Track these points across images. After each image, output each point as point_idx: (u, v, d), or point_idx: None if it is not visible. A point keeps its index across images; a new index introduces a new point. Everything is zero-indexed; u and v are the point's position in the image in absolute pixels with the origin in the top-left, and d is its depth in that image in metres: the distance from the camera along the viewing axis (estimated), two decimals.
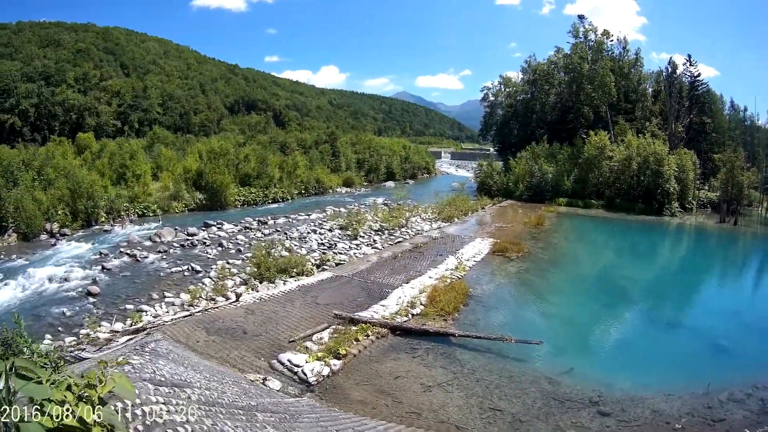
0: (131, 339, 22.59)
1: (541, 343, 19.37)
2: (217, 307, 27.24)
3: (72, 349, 24.02)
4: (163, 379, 11.26)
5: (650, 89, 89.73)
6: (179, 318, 25.78)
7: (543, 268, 34.66)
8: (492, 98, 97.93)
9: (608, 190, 66.84)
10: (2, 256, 41.05)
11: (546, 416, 14.70)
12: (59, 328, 27.22)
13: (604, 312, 27.85)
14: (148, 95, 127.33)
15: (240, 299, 27.56)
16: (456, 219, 55.09)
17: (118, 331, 26.24)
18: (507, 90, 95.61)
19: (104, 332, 26.17)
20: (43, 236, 47.52)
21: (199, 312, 26.86)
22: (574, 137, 77.79)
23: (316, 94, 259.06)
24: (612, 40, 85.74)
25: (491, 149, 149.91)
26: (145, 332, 23.33)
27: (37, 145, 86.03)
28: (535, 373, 17.61)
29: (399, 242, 42.37)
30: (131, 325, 26.58)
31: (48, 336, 25.99)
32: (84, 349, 23.55)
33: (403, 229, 49.06)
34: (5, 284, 33.88)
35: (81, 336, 26.07)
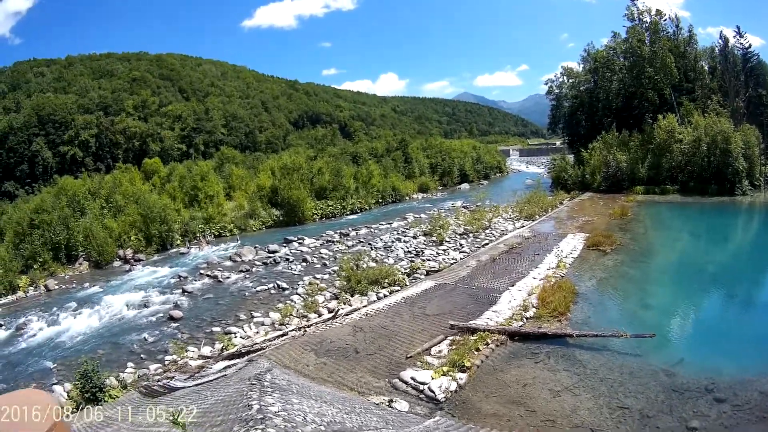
0: (229, 366, 22.26)
1: (653, 336, 20.13)
2: (311, 325, 27.14)
3: (159, 377, 23.94)
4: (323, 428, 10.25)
5: (706, 66, 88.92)
6: (279, 339, 25.57)
7: (637, 259, 35.35)
8: (557, 90, 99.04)
9: (681, 174, 67.99)
10: (74, 285, 42.53)
11: (669, 409, 15.45)
12: (141, 355, 27.34)
13: (699, 298, 29.12)
14: (210, 117, 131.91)
15: (347, 316, 27.32)
16: (538, 216, 55.57)
17: (208, 357, 26.16)
18: (570, 81, 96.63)
19: (193, 358, 26.13)
20: (117, 263, 49.34)
21: (292, 330, 26.74)
22: (641, 123, 78.64)
23: (378, 102, 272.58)
24: (665, 19, 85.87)
25: (557, 143, 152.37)
26: (246, 358, 23.06)
27: (102, 173, 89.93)
28: (651, 366, 18.27)
29: (486, 244, 43.23)
30: (222, 349, 26.42)
31: (130, 364, 26.16)
32: (173, 377, 23.30)
33: (487, 231, 49.54)
34: (79, 313, 34.65)
35: (167, 362, 26.10)
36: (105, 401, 21.51)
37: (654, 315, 25.17)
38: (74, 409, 21.44)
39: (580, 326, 22.31)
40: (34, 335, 31.65)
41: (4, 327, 33.31)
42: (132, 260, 49.59)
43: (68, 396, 23.08)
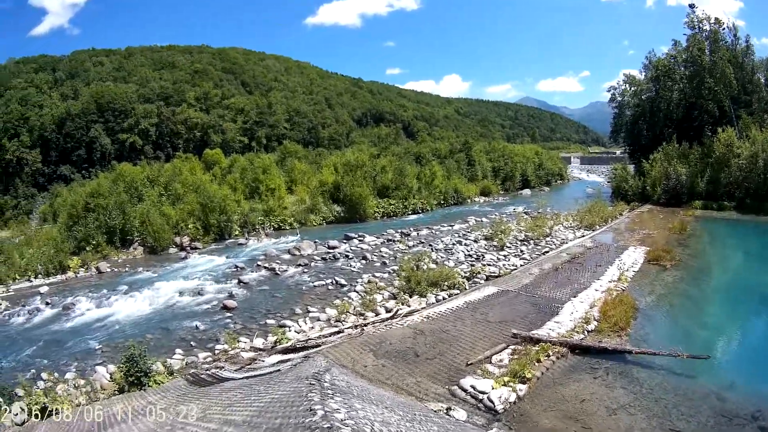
0: (283, 361, 21.93)
1: (707, 358, 19.94)
2: (368, 324, 26.99)
3: (208, 366, 23.52)
4: None
5: (762, 78, 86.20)
6: (335, 336, 25.34)
7: (695, 277, 34.85)
8: (619, 98, 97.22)
9: (738, 190, 65.44)
10: (127, 269, 43.32)
11: None
12: (191, 343, 27.10)
13: (754, 321, 28.91)
14: (273, 111, 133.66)
15: (406, 318, 27.10)
16: (598, 226, 54.90)
17: (260, 349, 25.67)
18: (632, 89, 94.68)
19: (245, 349, 25.72)
20: (173, 249, 50.41)
21: (349, 327, 26.59)
22: (701, 135, 76.28)
23: (441, 103, 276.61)
24: (723, 29, 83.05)
25: (617, 152, 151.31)
26: (302, 354, 22.72)
27: (161, 162, 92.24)
28: (704, 389, 18.12)
29: (546, 252, 43.18)
30: (276, 342, 25.93)
31: (179, 351, 25.91)
32: (223, 367, 22.92)
33: (548, 239, 48.88)
34: (130, 296, 34.98)
35: (217, 352, 25.75)
36: (149, 386, 21.20)
37: (709, 335, 24.93)
38: (116, 392, 21.41)
39: (638, 343, 22.16)
40: (81, 315, 31.85)
41: (51, 306, 33.65)
42: (188, 248, 50.55)
43: (111, 378, 22.86)
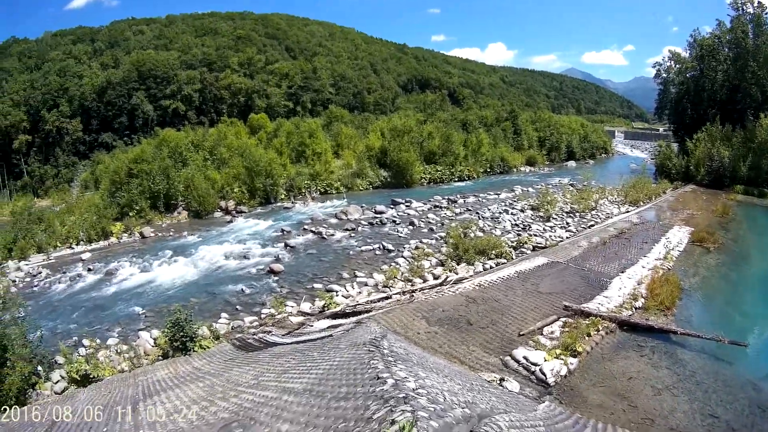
0: (333, 326, 21.64)
1: (746, 345, 19.95)
2: (416, 290, 27.06)
3: (254, 330, 23.43)
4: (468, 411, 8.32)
5: None
6: (383, 302, 25.46)
7: (737, 263, 34.76)
8: (664, 75, 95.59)
9: None
10: (171, 233, 43.69)
11: (751, 425, 15.40)
12: (237, 307, 27.09)
13: None
14: (318, 76, 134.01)
15: (456, 285, 26.98)
16: (642, 203, 54.92)
17: (308, 313, 25.56)
18: (677, 66, 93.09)
19: (292, 314, 25.64)
20: (218, 214, 50.85)
21: (396, 293, 26.66)
22: (744, 119, 74.79)
23: (487, 71, 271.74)
24: (766, 12, 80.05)
25: (660, 129, 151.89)
26: (354, 319, 22.49)
27: (205, 127, 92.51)
28: (741, 377, 18.28)
29: (591, 225, 43.72)
30: (324, 307, 25.82)
31: (224, 315, 25.90)
32: (270, 331, 22.68)
33: (593, 212, 49.05)
34: (175, 261, 35.17)
35: (264, 316, 25.71)
36: (194, 351, 21.04)
37: (748, 323, 24.83)
38: (160, 357, 21.30)
39: (682, 323, 22.37)
40: (124, 280, 32.00)
41: (93, 272, 33.82)
42: (234, 212, 51.02)
43: (155, 343, 22.70)
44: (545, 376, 16.90)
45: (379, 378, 8.59)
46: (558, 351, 18.34)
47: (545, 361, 17.61)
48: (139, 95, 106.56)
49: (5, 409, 17.65)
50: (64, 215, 44.96)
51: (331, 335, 18.61)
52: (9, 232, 39.97)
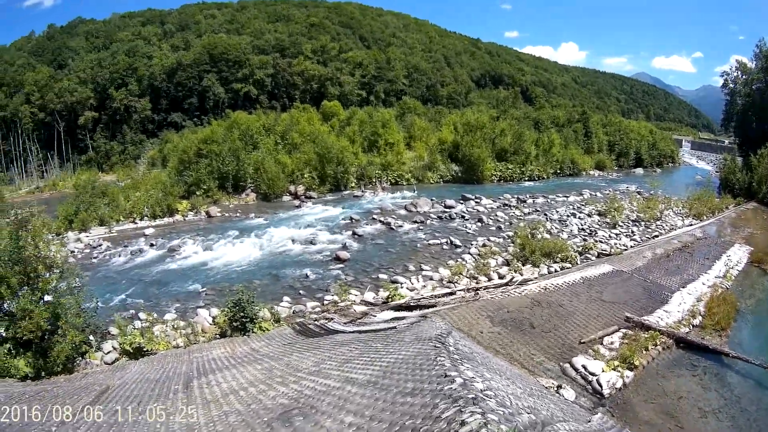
0: (397, 318, 21.47)
1: None
2: (480, 288, 26.60)
3: (316, 317, 23.19)
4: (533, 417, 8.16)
5: None
6: (447, 297, 25.11)
7: None
8: (731, 85, 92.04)
9: None
10: (238, 214, 44.16)
11: None
12: (300, 291, 26.93)
13: None
14: (392, 67, 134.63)
15: (521, 286, 26.81)
16: (705, 217, 52.98)
17: (371, 303, 25.22)
18: (744, 77, 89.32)
19: (356, 302, 25.38)
20: (286, 198, 51.53)
21: (461, 290, 26.27)
22: None
23: (559, 71, 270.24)
24: None
25: (726, 141, 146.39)
26: (418, 313, 22.20)
27: (277, 112, 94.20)
28: None
29: (656, 236, 42.98)
30: (388, 298, 25.37)
31: (286, 298, 25.75)
32: (332, 318, 22.52)
33: (657, 223, 47.72)
34: (240, 242, 35.32)
35: (326, 303, 25.46)
36: (253, 332, 20.90)
37: None
38: (217, 336, 21.26)
39: (735, 346, 21.82)
40: (187, 258, 32.21)
41: (155, 247, 34.31)
42: (303, 197, 51.51)
43: (213, 322, 22.61)
44: (601, 387, 16.91)
45: (446, 376, 8.37)
46: (616, 362, 18.33)
47: (603, 372, 17.62)
48: (210, 77, 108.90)
49: (50, 375, 17.84)
50: (129, 190, 46.00)
51: (394, 327, 18.41)
52: (71, 205, 40.80)
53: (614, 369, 17.87)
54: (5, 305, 18.44)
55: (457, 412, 6.26)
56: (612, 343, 20.08)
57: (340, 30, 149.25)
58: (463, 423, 5.79)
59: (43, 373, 17.95)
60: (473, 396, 6.98)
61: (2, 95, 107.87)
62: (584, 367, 17.76)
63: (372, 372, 10.67)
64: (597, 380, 17.11)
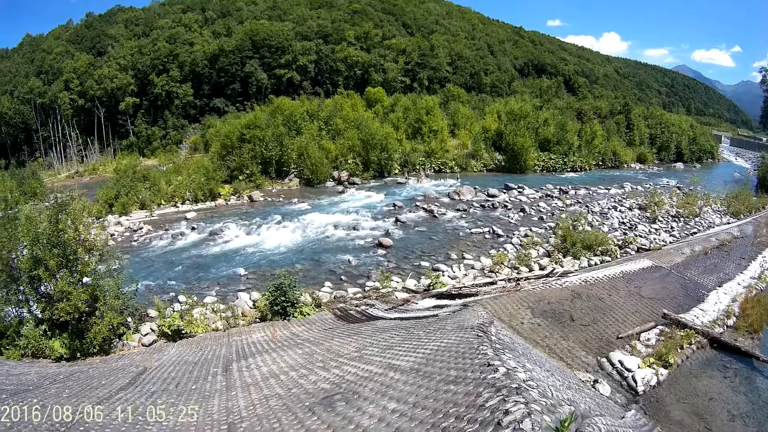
0: (439, 306, 21.43)
1: None
2: (521, 279, 26.54)
3: (357, 302, 23.11)
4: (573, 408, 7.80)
5: None
6: (489, 287, 25.01)
7: None
8: None
9: None
10: (281, 199, 44.47)
11: None
12: (342, 277, 26.95)
13: None
14: (435, 54, 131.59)
15: (562, 278, 26.48)
16: (742, 216, 52.08)
17: (413, 290, 25.10)
18: None
19: (397, 289, 25.26)
20: (330, 183, 51.73)
21: (502, 280, 26.24)
22: None
23: (601, 61, 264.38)
24: None
25: (763, 138, 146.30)
26: (460, 302, 22.04)
27: (321, 98, 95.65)
28: None
29: (694, 233, 42.51)
30: (430, 286, 25.28)
31: (328, 284, 25.78)
32: (373, 305, 22.40)
33: (696, 219, 47.22)
34: (283, 226, 35.49)
35: (367, 289, 25.41)
36: (294, 317, 20.95)
37: None
38: (257, 320, 21.29)
39: (765, 350, 21.46)
40: (228, 242, 32.46)
41: (196, 231, 34.62)
42: (346, 183, 51.85)
43: (253, 305, 22.68)
44: (636, 383, 16.82)
45: (489, 365, 8.35)
46: (651, 360, 18.29)
47: (638, 368, 17.54)
48: (252, 63, 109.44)
49: (86, 356, 18.21)
50: (171, 175, 46.46)
51: (436, 315, 18.48)
52: (111, 189, 41.42)
53: (649, 366, 17.85)
54: (42, 287, 18.78)
55: (500, 401, 6.27)
56: (648, 339, 20.04)
57: (382, 17, 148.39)
58: (506, 412, 5.78)
59: (78, 354, 18.28)
60: (516, 386, 6.93)
61: (41, 83, 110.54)
62: (621, 362, 17.73)
63: (414, 359, 10.60)
64: (632, 377, 17.08)
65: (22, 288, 19.00)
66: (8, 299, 18.86)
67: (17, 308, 19.07)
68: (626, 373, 17.21)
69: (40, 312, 18.44)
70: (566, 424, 5.45)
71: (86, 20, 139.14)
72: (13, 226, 19.16)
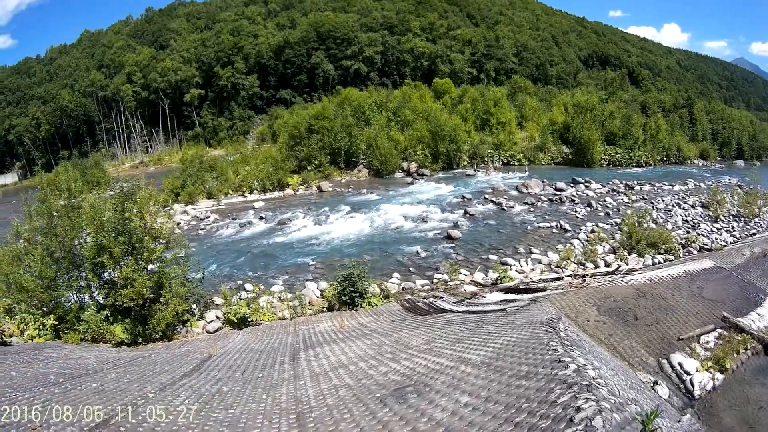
0: (507, 300, 21.21)
1: None
2: (587, 275, 26.26)
3: (425, 294, 22.93)
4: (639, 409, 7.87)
5: None
6: (555, 283, 24.88)
7: None
8: None
9: None
10: (350, 190, 44.90)
11: None
12: (410, 269, 26.86)
13: None
14: (501, 45, 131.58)
15: (626, 276, 25.70)
16: None
17: (480, 284, 24.91)
18: None
19: (465, 282, 25.08)
20: (399, 174, 52.11)
21: (568, 276, 26.23)
22: None
23: (663, 53, 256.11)
24: None
25: None
26: (528, 297, 21.80)
27: (388, 89, 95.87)
28: None
29: (753, 234, 41.47)
30: (498, 280, 25.08)
31: (396, 275, 25.68)
32: (441, 297, 22.19)
33: (756, 219, 45.97)
34: (351, 217, 35.70)
35: (436, 281, 25.24)
36: (361, 307, 20.91)
37: None
38: (324, 309, 21.34)
39: None
40: (296, 231, 32.70)
41: (264, 220, 34.99)
42: (415, 174, 52.07)
43: (321, 295, 22.73)
44: (693, 387, 16.43)
45: (560, 361, 8.38)
46: (709, 363, 17.71)
47: (696, 371, 17.05)
48: (318, 55, 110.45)
49: (147, 342, 18.64)
50: (239, 165, 47.20)
51: (504, 309, 18.27)
52: (177, 178, 42.26)
53: (707, 370, 17.35)
54: (106, 274, 19.11)
55: (572, 398, 6.33)
56: (707, 342, 19.35)
57: (447, 7, 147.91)
58: (578, 409, 5.84)
59: (140, 339, 18.63)
60: (587, 383, 6.96)
61: (102, 76, 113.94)
62: (680, 365, 17.20)
63: (485, 353, 10.51)
64: (690, 380, 16.66)
65: (84, 274, 19.37)
66: (70, 285, 19.22)
67: (78, 294, 19.42)
68: (685, 376, 16.92)
69: (103, 298, 18.82)
70: (651, 417, 5.47)
71: (146, 15, 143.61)
72: (76, 214, 19.51)
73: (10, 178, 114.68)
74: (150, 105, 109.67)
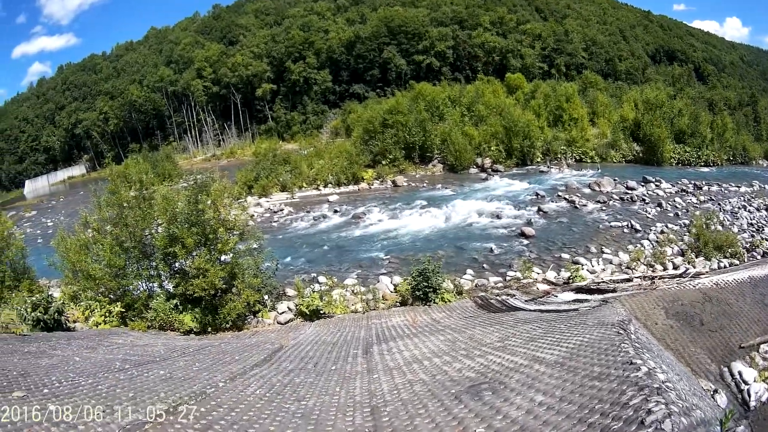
0: (578, 300, 21.12)
1: None
2: (656, 278, 25.77)
3: (498, 292, 22.85)
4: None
5: None
6: (625, 284, 24.40)
7: None
8: None
9: None
10: (425, 185, 45.16)
11: None
12: (483, 265, 26.87)
13: None
14: (570, 39, 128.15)
15: (694, 279, 25.27)
16: None
17: (553, 283, 24.82)
18: None
19: (538, 280, 25.08)
20: (473, 170, 52.04)
21: (637, 277, 25.91)
22: None
23: (726, 48, 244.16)
24: None
25: None
26: (599, 297, 21.66)
27: (461, 84, 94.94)
28: None
29: None
30: (570, 279, 24.95)
31: (469, 271, 25.71)
32: (513, 295, 22.10)
33: None
34: (426, 212, 35.78)
35: (508, 279, 25.25)
36: (435, 303, 20.87)
37: None
38: (397, 304, 21.47)
39: None
40: (371, 225, 33.07)
41: (339, 213, 35.46)
42: (489, 170, 51.96)
43: (395, 289, 22.94)
44: (749, 397, 15.97)
45: (632, 363, 8.16)
46: (767, 374, 17.23)
47: (754, 381, 16.59)
48: (390, 50, 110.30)
49: (217, 331, 19.06)
50: (312, 158, 47.90)
51: (576, 309, 18.10)
52: (250, 171, 43.09)
53: (764, 380, 16.84)
54: (177, 264, 19.76)
55: (643, 400, 6.22)
56: (767, 352, 18.79)
57: (515, 1, 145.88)
58: (649, 412, 5.77)
59: (209, 328, 19.12)
60: (657, 386, 6.80)
61: (171, 72, 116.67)
62: (740, 373, 16.83)
63: (559, 353, 10.34)
64: (747, 390, 16.26)
65: (154, 263, 20.03)
66: (139, 274, 19.86)
67: (147, 282, 20.02)
68: (743, 386, 16.51)
69: (173, 287, 19.37)
70: (729, 416, 5.73)
71: (213, 12, 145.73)
72: (147, 205, 20.06)
73: (77, 170, 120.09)
74: (221, 99, 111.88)
